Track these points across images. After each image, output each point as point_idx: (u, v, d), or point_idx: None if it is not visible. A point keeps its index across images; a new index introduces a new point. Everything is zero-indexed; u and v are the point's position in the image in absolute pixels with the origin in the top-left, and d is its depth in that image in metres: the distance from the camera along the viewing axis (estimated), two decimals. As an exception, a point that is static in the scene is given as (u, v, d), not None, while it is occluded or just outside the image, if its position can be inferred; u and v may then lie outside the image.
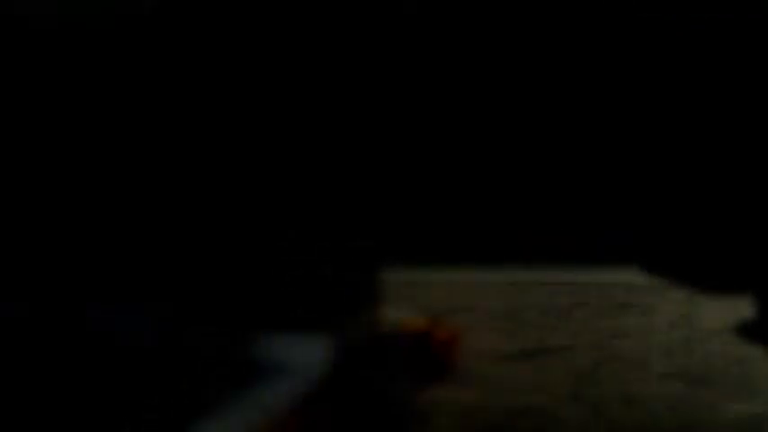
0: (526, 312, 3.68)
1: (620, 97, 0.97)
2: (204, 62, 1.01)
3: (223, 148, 1.03)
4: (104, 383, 0.96)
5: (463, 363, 2.34)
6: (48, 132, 1.07)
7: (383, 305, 1.45)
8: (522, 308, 3.79)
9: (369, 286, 1.36)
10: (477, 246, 1.07)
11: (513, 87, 0.97)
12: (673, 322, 3.40)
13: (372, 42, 0.96)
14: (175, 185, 1.06)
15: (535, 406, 1.96)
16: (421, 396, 1.71)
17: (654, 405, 1.98)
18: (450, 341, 1.55)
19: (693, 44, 0.94)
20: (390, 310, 1.51)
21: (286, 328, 1.06)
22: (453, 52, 0.96)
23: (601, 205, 1.02)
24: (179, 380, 0.99)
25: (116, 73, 1.03)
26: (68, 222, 1.09)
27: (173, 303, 1.09)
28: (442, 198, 1.03)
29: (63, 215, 1.09)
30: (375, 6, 0.95)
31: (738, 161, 0.97)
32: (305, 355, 1.05)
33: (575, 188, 1.01)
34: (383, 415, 1.11)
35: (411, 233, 1.06)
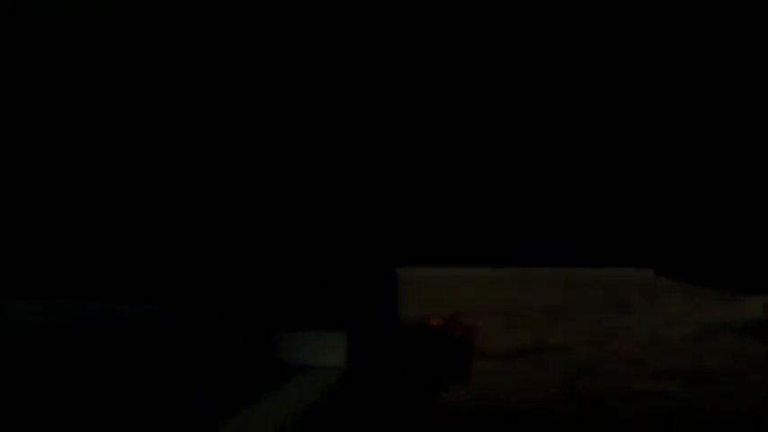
0: (526, 311, 3.69)
1: (622, 97, 0.98)
2: (206, 64, 1.02)
3: (232, 150, 1.05)
4: (105, 384, 0.98)
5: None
6: (56, 133, 1.08)
7: (404, 304, 1.45)
8: (522, 306, 3.80)
9: (389, 285, 1.37)
10: (478, 245, 1.09)
11: (519, 90, 0.98)
12: (672, 321, 3.41)
13: (380, 49, 0.97)
14: (183, 187, 1.07)
15: (535, 403, 1.98)
16: (441, 393, 1.73)
17: (652, 402, 2.00)
18: (469, 338, 1.55)
19: (693, 47, 0.95)
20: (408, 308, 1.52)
21: (308, 327, 1.07)
22: (453, 57, 0.98)
23: (602, 205, 1.03)
24: (194, 379, 1.00)
25: (118, 73, 1.04)
26: (71, 223, 1.11)
27: (180, 303, 1.10)
28: (443, 198, 1.04)
29: (66, 216, 1.11)
30: (375, 12, 0.96)
31: (742, 162, 0.98)
32: (326, 354, 1.06)
33: (576, 189, 1.02)
34: (404, 411, 1.12)
35: (412, 233, 1.08)
